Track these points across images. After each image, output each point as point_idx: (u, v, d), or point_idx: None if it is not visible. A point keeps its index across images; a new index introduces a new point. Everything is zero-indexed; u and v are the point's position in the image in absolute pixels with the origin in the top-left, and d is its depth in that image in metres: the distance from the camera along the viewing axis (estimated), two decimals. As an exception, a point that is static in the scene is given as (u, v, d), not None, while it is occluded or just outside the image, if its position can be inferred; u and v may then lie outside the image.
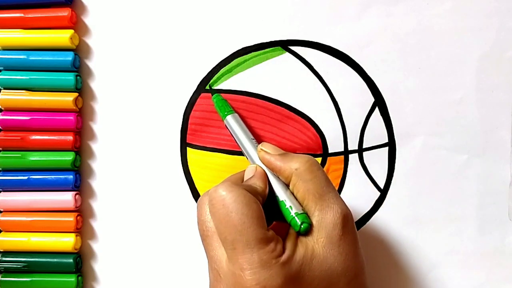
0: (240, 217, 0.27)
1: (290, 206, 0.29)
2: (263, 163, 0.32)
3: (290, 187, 0.30)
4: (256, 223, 0.27)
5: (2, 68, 0.38)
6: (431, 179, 0.37)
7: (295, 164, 0.30)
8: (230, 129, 0.35)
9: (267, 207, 0.30)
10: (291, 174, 0.30)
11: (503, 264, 0.37)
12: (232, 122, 0.35)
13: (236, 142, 0.35)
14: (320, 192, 0.29)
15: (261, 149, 0.32)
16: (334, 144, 0.37)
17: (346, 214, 0.29)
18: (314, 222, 0.29)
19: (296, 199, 0.30)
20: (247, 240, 0.27)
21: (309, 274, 0.27)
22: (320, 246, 0.28)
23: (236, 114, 0.36)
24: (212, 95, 0.37)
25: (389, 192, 0.37)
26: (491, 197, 0.37)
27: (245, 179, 0.32)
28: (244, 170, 0.33)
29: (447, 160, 0.37)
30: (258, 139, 0.37)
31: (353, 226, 0.30)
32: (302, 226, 0.28)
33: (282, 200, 0.30)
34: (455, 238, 0.37)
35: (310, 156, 0.31)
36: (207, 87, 0.38)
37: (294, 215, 0.29)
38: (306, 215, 0.29)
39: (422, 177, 0.37)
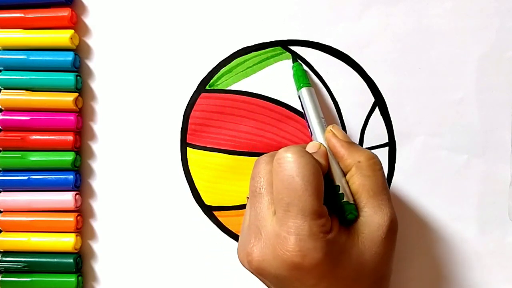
0: (304, 183, 0.27)
1: (342, 194, 0.29)
2: (327, 145, 0.32)
3: (347, 176, 0.31)
4: (316, 194, 0.28)
5: (2, 68, 0.38)
6: (431, 179, 0.37)
7: (360, 157, 0.30)
8: (302, 102, 0.35)
9: None
10: (352, 165, 0.30)
11: (503, 264, 0.37)
12: (305, 95, 0.35)
13: (304, 116, 0.35)
14: (375, 191, 0.29)
15: (330, 129, 0.32)
16: (334, 144, 0.37)
17: (393, 220, 0.29)
18: (360, 216, 0.29)
19: (349, 189, 0.30)
20: (304, 207, 0.27)
21: (346, 260, 0.28)
22: (359, 240, 0.28)
23: (312, 89, 0.35)
24: (293, 63, 0.36)
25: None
26: (491, 197, 0.37)
27: None
28: (305, 144, 0.32)
29: (447, 160, 0.37)
30: (258, 139, 0.37)
31: (395, 234, 0.30)
32: (348, 216, 0.29)
33: (337, 185, 0.30)
34: (455, 238, 0.37)
35: (375, 154, 0.31)
36: (207, 87, 0.38)
37: (343, 203, 0.29)
38: (354, 206, 0.29)
39: (422, 177, 0.37)
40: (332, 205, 0.30)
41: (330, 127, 0.33)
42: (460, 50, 0.36)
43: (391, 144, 0.37)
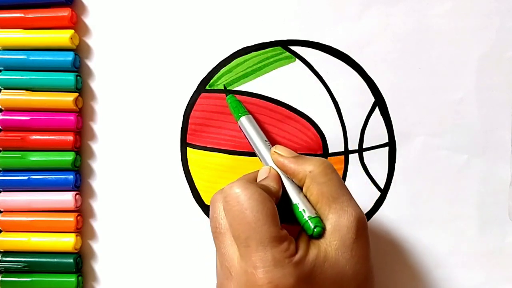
0: (254, 214, 0.27)
1: (304, 210, 0.29)
2: (276, 166, 0.32)
3: (304, 189, 0.30)
4: (270, 221, 0.27)
5: (2, 68, 0.38)
6: (431, 179, 0.37)
7: (309, 167, 0.30)
8: (243, 131, 0.35)
9: (280, 209, 0.30)
10: (305, 177, 0.30)
11: (503, 264, 0.37)
12: (246, 123, 0.35)
13: (250, 144, 0.35)
14: (334, 195, 0.29)
15: (274, 151, 0.32)
16: (334, 144, 0.37)
17: (360, 218, 0.29)
18: (327, 225, 0.29)
19: (309, 202, 0.30)
20: (261, 238, 0.27)
21: (321, 275, 0.27)
22: (332, 249, 0.28)
23: (250, 116, 0.36)
24: (227, 96, 0.37)
25: (389, 192, 0.37)
26: (491, 197, 0.37)
27: (258, 180, 0.32)
28: (258, 171, 0.33)
29: (447, 160, 0.37)
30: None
31: (366, 230, 0.29)
32: (315, 230, 0.28)
33: (296, 203, 0.30)
34: (455, 238, 0.37)
35: (324, 158, 0.31)
36: (207, 87, 0.38)
37: (307, 219, 0.29)
38: (319, 219, 0.29)
39: (422, 177, 0.37)
40: (297, 223, 0.30)
41: (273, 149, 0.33)
42: (460, 50, 0.36)
43: (391, 144, 0.37)
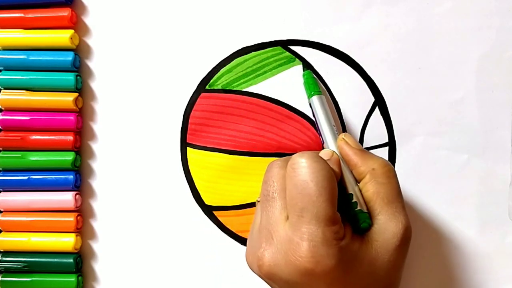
0: (318, 188, 0.27)
1: (355, 202, 0.29)
2: (340, 153, 0.32)
3: (360, 184, 0.30)
4: (330, 200, 0.27)
5: (2, 68, 0.38)
6: (431, 179, 0.37)
7: (374, 164, 0.30)
8: (313, 109, 0.35)
9: None
10: (366, 173, 0.30)
11: (503, 264, 0.37)
12: (316, 103, 0.34)
13: (316, 124, 0.35)
14: (389, 199, 0.29)
15: (343, 138, 0.32)
16: (334, 144, 0.37)
17: (408, 228, 0.29)
18: (374, 224, 0.29)
19: (362, 197, 0.30)
20: (318, 213, 0.27)
21: (358, 267, 0.28)
22: (373, 248, 0.28)
23: (323, 97, 0.35)
24: (304, 71, 0.36)
25: (389, 192, 0.37)
26: (491, 197, 0.37)
27: None
28: (318, 151, 0.32)
29: (447, 160, 0.37)
30: (258, 139, 0.37)
31: (409, 242, 0.29)
32: (362, 224, 0.28)
33: (351, 193, 0.30)
34: (455, 238, 0.37)
35: (389, 161, 0.31)
36: (207, 87, 0.38)
37: (357, 211, 0.29)
38: (368, 215, 0.29)
39: (422, 177, 0.37)
40: (346, 214, 0.30)
41: (342, 135, 0.33)
42: (460, 50, 0.36)
43: (391, 144, 0.37)
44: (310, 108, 0.35)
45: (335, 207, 0.28)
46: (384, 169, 0.30)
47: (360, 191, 0.30)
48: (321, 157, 0.29)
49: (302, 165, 0.28)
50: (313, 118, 0.35)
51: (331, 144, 0.33)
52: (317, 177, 0.27)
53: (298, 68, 0.37)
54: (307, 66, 0.37)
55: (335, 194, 0.28)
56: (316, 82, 0.36)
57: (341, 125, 0.37)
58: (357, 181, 0.31)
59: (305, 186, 0.27)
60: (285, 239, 0.27)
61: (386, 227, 0.29)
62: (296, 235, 0.27)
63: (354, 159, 0.31)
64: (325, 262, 0.26)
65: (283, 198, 0.29)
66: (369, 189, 0.30)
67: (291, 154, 0.36)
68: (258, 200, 0.32)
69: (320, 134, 0.34)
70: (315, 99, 0.35)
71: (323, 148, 0.34)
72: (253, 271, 0.30)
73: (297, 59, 0.37)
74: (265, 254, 0.28)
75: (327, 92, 0.37)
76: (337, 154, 0.32)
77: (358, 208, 0.29)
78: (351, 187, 0.30)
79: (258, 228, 0.30)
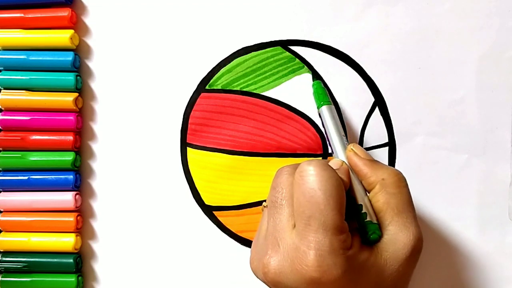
0: (326, 197, 0.27)
1: (365, 213, 0.29)
2: (349, 163, 0.32)
3: (370, 195, 0.30)
4: (338, 208, 0.27)
5: (2, 68, 0.38)
6: (431, 179, 0.37)
7: (383, 174, 0.30)
8: (322, 119, 0.35)
9: None
10: (376, 183, 0.30)
11: (503, 264, 0.37)
12: (326, 113, 0.34)
13: (325, 134, 0.34)
14: (400, 209, 0.29)
15: (351, 149, 0.32)
16: (334, 144, 0.37)
17: (419, 239, 0.29)
18: (385, 235, 0.29)
19: (372, 208, 0.30)
20: (325, 221, 0.27)
21: (365, 277, 0.27)
22: (382, 258, 0.28)
23: (333, 106, 0.35)
24: (313, 81, 0.36)
25: (389, 192, 0.37)
26: (491, 197, 0.37)
27: None
28: (328, 160, 0.32)
29: (447, 160, 0.37)
30: (258, 139, 0.37)
31: (419, 253, 0.29)
32: (371, 236, 0.28)
33: (360, 204, 0.29)
34: (455, 238, 0.37)
35: (399, 170, 0.30)
36: (207, 87, 0.38)
37: (367, 223, 0.29)
38: (378, 226, 0.29)
39: (422, 177, 0.37)
40: (356, 224, 0.29)
41: (351, 146, 0.32)
42: (460, 50, 0.36)
43: (391, 144, 0.37)
44: (319, 118, 0.35)
45: (343, 216, 0.27)
46: (394, 179, 0.30)
47: (370, 201, 0.30)
48: (329, 166, 0.29)
49: (310, 173, 0.28)
50: (322, 129, 0.35)
51: (340, 154, 0.32)
52: (325, 185, 0.27)
53: (301, 70, 0.37)
54: (316, 76, 0.37)
55: (343, 203, 0.28)
56: (325, 93, 0.36)
57: (341, 125, 0.37)
58: (367, 192, 0.30)
59: (313, 194, 0.27)
60: (292, 247, 0.27)
61: (396, 237, 0.28)
62: (303, 244, 0.27)
63: (364, 170, 0.31)
64: (331, 271, 0.26)
65: (291, 206, 0.28)
66: (379, 199, 0.29)
67: (291, 154, 0.37)
68: (265, 205, 0.31)
69: (329, 144, 0.34)
70: (324, 109, 0.34)
71: (325, 155, 0.33)
72: (258, 277, 0.29)
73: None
74: (270, 261, 0.28)
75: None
76: (346, 164, 0.31)
77: (368, 219, 0.29)
78: (361, 198, 0.30)
79: (265, 234, 0.29)
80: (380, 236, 0.28)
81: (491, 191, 0.37)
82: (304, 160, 0.29)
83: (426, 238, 0.37)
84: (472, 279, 0.37)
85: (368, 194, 0.30)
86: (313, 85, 0.36)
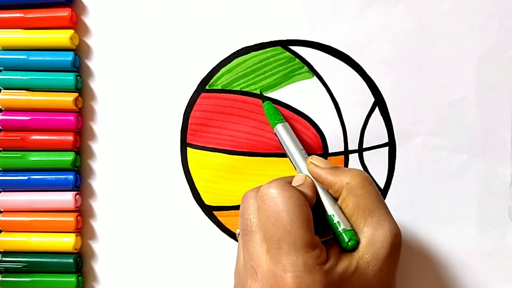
0: (291, 217, 0.27)
1: (338, 222, 0.29)
2: (312, 176, 0.31)
3: (339, 201, 0.30)
4: (305, 225, 0.27)
5: (2, 68, 0.38)
6: (431, 179, 0.37)
7: (346, 178, 0.30)
8: (279, 138, 0.35)
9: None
10: (341, 188, 0.30)
11: (503, 264, 0.37)
12: (282, 131, 0.35)
13: (285, 151, 0.35)
14: (370, 208, 0.29)
15: (310, 161, 0.32)
16: (334, 144, 0.37)
17: (396, 234, 0.29)
18: (362, 238, 0.28)
19: (344, 215, 0.29)
20: (295, 241, 0.27)
21: (349, 286, 0.27)
22: (364, 262, 0.28)
23: (287, 123, 0.35)
24: (263, 102, 0.36)
25: (389, 192, 0.37)
26: (491, 197, 0.37)
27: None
28: (292, 176, 0.32)
29: (447, 160, 0.37)
30: (258, 139, 0.37)
31: (400, 246, 0.29)
32: (349, 243, 0.28)
33: (330, 215, 0.29)
34: (455, 238, 0.37)
35: (362, 170, 0.30)
36: (207, 87, 0.38)
37: (341, 231, 0.28)
38: (353, 232, 0.28)
39: (422, 177, 0.37)
40: (329, 234, 0.29)
41: (309, 159, 0.32)
42: (460, 50, 0.36)
43: (391, 144, 0.37)
44: (276, 137, 0.35)
45: (312, 232, 0.27)
46: (357, 180, 0.29)
47: (341, 208, 0.30)
48: (289, 185, 0.29)
49: (271, 196, 0.28)
50: (281, 146, 0.35)
51: (303, 168, 0.32)
52: (287, 205, 0.27)
53: (301, 70, 0.37)
54: (266, 97, 0.37)
55: (310, 219, 0.28)
56: (277, 111, 0.36)
57: (341, 125, 0.37)
58: (336, 199, 0.30)
59: (277, 216, 0.27)
60: (269, 274, 0.27)
61: (374, 238, 0.28)
62: (278, 268, 0.27)
63: (327, 178, 0.30)
64: None
65: (261, 230, 0.28)
66: (349, 204, 0.29)
67: (291, 154, 0.37)
68: (238, 233, 0.31)
69: (291, 161, 0.34)
70: (279, 128, 0.35)
71: (325, 155, 0.33)
72: None
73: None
74: None
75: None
76: (310, 178, 0.31)
77: (342, 227, 0.29)
78: (331, 208, 0.30)
79: (243, 263, 0.29)
80: (358, 242, 0.28)
81: (491, 191, 0.37)
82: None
83: (426, 238, 0.37)
84: (472, 279, 0.37)
85: (337, 202, 0.30)
86: (263, 106, 0.36)
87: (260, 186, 0.30)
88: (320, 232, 0.29)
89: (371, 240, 0.28)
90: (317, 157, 0.32)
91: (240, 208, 0.30)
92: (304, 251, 0.26)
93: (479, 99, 0.36)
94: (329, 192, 0.31)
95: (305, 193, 0.30)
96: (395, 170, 0.37)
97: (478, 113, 0.36)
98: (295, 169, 0.34)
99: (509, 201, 0.36)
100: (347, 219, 0.29)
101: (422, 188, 0.37)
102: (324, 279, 0.26)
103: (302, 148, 0.34)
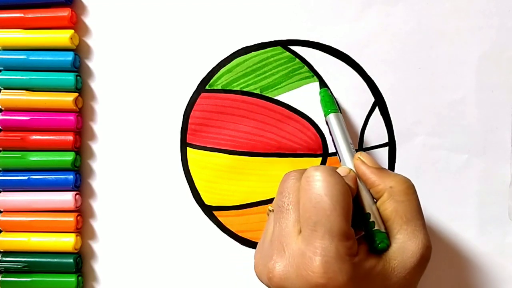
0: (333, 203, 0.27)
1: (373, 222, 0.29)
2: (357, 172, 0.31)
3: (378, 203, 0.30)
4: (344, 214, 0.27)
5: (2, 68, 0.38)
6: (431, 179, 0.37)
7: (391, 182, 0.29)
8: (329, 127, 0.34)
9: None
10: (384, 191, 0.29)
11: (503, 264, 0.37)
12: (333, 121, 0.34)
13: (333, 141, 0.34)
14: (408, 217, 0.29)
15: (358, 157, 0.32)
16: (334, 144, 0.37)
17: (428, 247, 0.28)
18: (393, 243, 0.28)
19: (380, 217, 0.29)
20: (331, 227, 0.26)
21: (370, 285, 0.27)
22: (390, 266, 0.28)
23: (340, 114, 0.35)
24: (320, 88, 0.36)
25: (389, 192, 0.37)
26: (491, 197, 0.37)
27: None
28: (336, 167, 0.32)
29: (447, 160, 0.37)
30: (258, 139, 0.37)
31: (427, 261, 0.29)
32: (380, 244, 0.28)
33: (367, 213, 0.29)
34: (455, 238, 0.37)
35: (407, 178, 0.30)
36: (207, 87, 0.38)
37: (375, 231, 0.28)
38: (386, 235, 0.28)
39: (422, 177, 0.37)
40: (361, 231, 0.29)
41: (358, 154, 0.32)
42: (460, 50, 0.36)
43: (391, 144, 0.37)
44: (326, 126, 0.35)
45: (349, 223, 0.27)
46: (402, 187, 0.29)
47: (378, 210, 0.30)
48: (336, 172, 0.29)
49: (317, 178, 0.28)
50: (329, 136, 0.35)
51: (348, 162, 0.32)
52: (332, 191, 0.27)
53: (301, 70, 0.37)
54: (323, 83, 0.37)
55: (350, 209, 0.28)
56: (332, 100, 0.36)
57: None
58: (375, 200, 0.30)
59: (319, 199, 0.27)
60: (298, 253, 0.27)
61: (405, 246, 0.28)
62: (309, 250, 0.26)
63: (371, 178, 0.30)
64: (337, 278, 0.26)
65: (297, 211, 0.28)
66: (388, 207, 0.29)
67: (291, 154, 0.37)
68: (271, 209, 0.31)
69: (337, 152, 0.34)
70: (332, 117, 0.34)
71: (325, 155, 0.33)
72: (262, 282, 0.29)
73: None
74: (276, 267, 0.28)
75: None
76: (354, 172, 0.31)
77: (376, 227, 0.28)
78: (369, 206, 0.29)
79: (270, 239, 0.29)
80: (388, 245, 0.28)
81: (491, 191, 0.37)
82: (304, 160, 0.29)
83: (426, 238, 0.37)
84: (472, 279, 0.37)
85: (376, 203, 0.30)
86: (320, 93, 0.36)
87: (303, 169, 0.29)
88: (353, 227, 0.29)
89: (402, 247, 0.28)
90: (366, 154, 0.32)
91: (279, 186, 0.30)
92: (339, 239, 0.26)
93: (479, 99, 0.36)
94: (369, 191, 0.30)
95: (349, 184, 0.29)
96: (395, 170, 0.37)
97: (478, 113, 0.36)
98: (340, 161, 0.33)
99: (509, 201, 0.36)
100: (383, 221, 0.29)
101: (422, 188, 0.37)
102: (351, 270, 0.26)
103: (351, 142, 0.34)
